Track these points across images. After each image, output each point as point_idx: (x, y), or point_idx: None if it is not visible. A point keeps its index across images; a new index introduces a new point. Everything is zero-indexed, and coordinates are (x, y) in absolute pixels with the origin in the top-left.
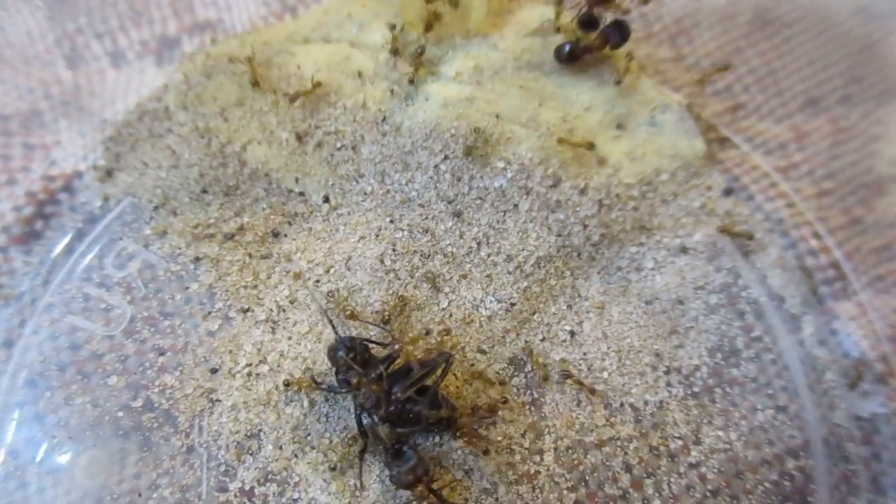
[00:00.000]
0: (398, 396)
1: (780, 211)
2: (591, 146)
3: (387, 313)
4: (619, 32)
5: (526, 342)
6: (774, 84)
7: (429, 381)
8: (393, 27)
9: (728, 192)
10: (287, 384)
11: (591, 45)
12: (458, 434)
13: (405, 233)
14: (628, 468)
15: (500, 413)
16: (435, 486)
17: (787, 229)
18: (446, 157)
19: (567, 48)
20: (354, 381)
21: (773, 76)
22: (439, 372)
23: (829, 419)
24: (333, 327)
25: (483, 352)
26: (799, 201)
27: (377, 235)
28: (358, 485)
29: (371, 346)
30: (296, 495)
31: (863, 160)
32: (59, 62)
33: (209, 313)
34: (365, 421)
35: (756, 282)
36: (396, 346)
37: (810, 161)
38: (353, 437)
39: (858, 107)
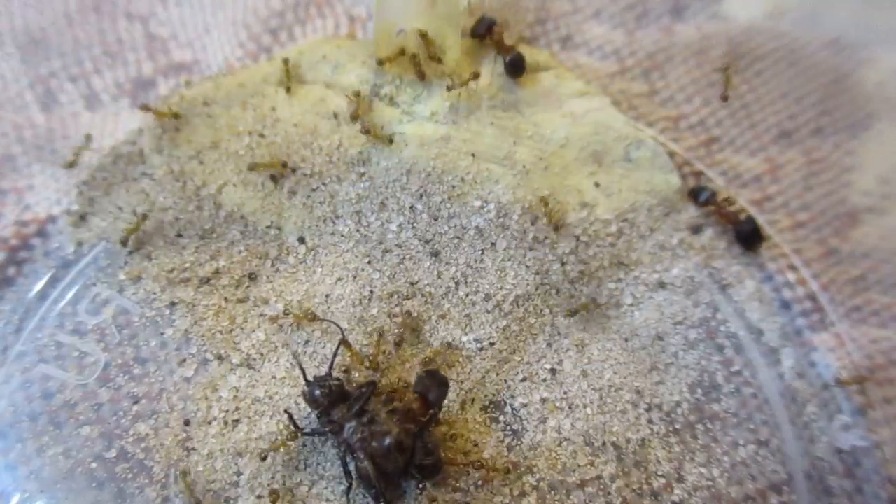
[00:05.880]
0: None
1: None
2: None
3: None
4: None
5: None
6: (748, 117)
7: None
8: (357, 94)
9: (704, 226)
10: (264, 458)
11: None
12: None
13: (383, 274)
14: None
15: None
16: None
17: (763, 262)
18: (423, 197)
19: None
20: (338, 416)
21: (746, 109)
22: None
23: (810, 453)
24: (303, 371)
25: (463, 392)
26: (774, 233)
27: (355, 277)
28: None
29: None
30: None
31: (836, 191)
32: (33, 105)
33: (185, 359)
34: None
35: (734, 315)
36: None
37: (785, 193)
38: None
39: (831, 138)
